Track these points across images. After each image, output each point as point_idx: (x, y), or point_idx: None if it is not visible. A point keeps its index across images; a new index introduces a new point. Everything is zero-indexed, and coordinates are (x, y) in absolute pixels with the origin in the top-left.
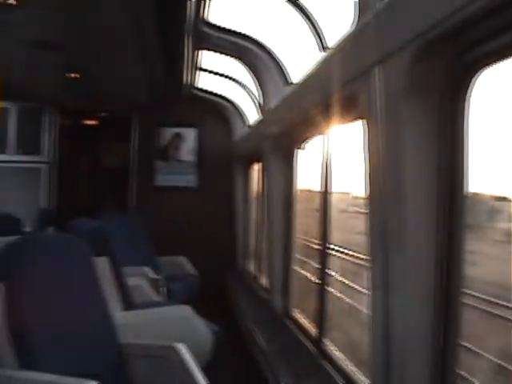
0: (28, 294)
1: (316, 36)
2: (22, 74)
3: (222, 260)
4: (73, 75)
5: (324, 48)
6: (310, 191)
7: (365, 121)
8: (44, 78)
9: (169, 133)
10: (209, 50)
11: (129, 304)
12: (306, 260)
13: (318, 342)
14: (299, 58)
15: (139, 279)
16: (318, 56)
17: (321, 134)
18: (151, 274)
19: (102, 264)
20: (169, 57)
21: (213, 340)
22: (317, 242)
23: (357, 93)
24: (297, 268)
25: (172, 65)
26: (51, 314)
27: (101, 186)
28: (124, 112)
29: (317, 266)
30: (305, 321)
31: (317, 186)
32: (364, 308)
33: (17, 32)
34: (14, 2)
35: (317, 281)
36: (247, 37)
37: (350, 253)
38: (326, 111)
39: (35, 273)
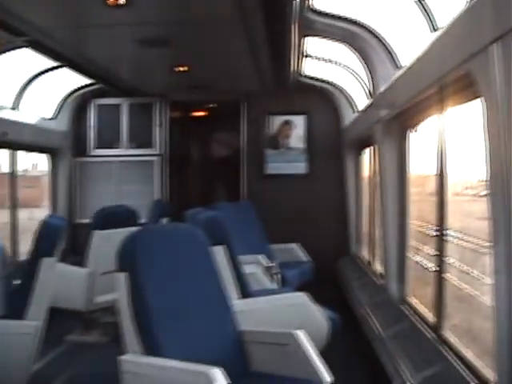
0: (150, 283)
1: (426, 17)
2: (132, 71)
3: (334, 246)
4: (181, 69)
5: (435, 29)
6: (421, 175)
7: (483, 100)
8: (153, 73)
9: (278, 121)
10: (315, 36)
11: (245, 292)
12: (419, 246)
13: (436, 329)
14: (408, 41)
15: (254, 267)
16: (429, 37)
17: (434, 115)
18: (265, 261)
19: (219, 253)
20: (275, 45)
21: (329, 326)
22: (431, 227)
23: (473, 72)
24: (410, 254)
25: (279, 53)
26: (173, 301)
27: (212, 176)
28: (232, 102)
29: (432, 252)
30: (422, 307)
31: (429, 170)
32: (485, 297)
33: (126, 31)
34: (124, 2)
35: (434, 267)
36: (354, 21)
37: (470, 239)
38: (439, 92)
39: (156, 262)
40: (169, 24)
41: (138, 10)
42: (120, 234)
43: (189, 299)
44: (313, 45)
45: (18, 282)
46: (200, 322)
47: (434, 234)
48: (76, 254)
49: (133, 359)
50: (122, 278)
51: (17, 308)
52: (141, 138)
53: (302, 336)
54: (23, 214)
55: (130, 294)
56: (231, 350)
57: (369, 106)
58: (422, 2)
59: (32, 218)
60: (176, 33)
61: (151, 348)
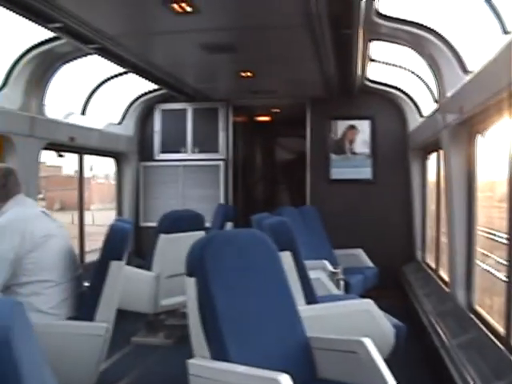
0: (218, 288)
1: (497, 19)
2: (196, 76)
3: (399, 252)
4: (246, 74)
5: (506, 31)
6: (490, 180)
7: None
8: (218, 78)
9: (342, 125)
10: (381, 40)
11: (310, 297)
12: (486, 253)
13: (507, 340)
14: (477, 44)
15: (318, 272)
16: (500, 40)
17: (505, 120)
18: (330, 267)
19: (286, 258)
20: (341, 50)
21: (394, 334)
22: (501, 234)
23: None
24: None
25: (344, 58)
26: (241, 307)
27: (275, 181)
28: (297, 107)
29: (502, 260)
30: (489, 316)
31: (498, 175)
32: None
33: (192, 37)
34: (190, 10)
35: (504, 276)
36: (421, 25)
37: None
38: (511, 96)
39: (224, 267)
40: (235, 30)
41: (205, 16)
42: (186, 238)
43: (256, 305)
44: (378, 49)
45: (86, 283)
46: (267, 327)
47: (505, 241)
48: (140, 256)
49: (200, 363)
50: (190, 282)
51: (86, 309)
52: (205, 143)
53: (370, 344)
54: (65, 218)
55: (199, 298)
56: (298, 357)
57: (436, 111)
58: (492, 4)
59: (75, 223)
60: (242, 39)
61: (218, 353)
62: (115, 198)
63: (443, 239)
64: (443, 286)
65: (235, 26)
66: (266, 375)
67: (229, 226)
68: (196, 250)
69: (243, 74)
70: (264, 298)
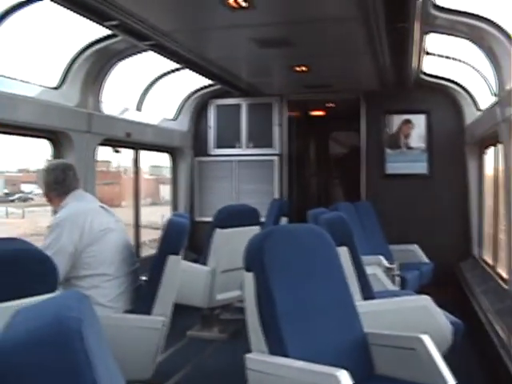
0: (276, 283)
1: None
2: (251, 71)
3: (455, 248)
4: (301, 69)
5: None
6: None
7: None
8: (273, 73)
9: (397, 120)
10: (437, 33)
11: (367, 293)
12: None
13: None
14: None
15: (374, 268)
16: None
17: None
18: (385, 262)
19: (343, 253)
20: (396, 43)
21: (452, 331)
22: None
23: None
24: None
25: (400, 51)
26: (299, 302)
27: (330, 176)
28: (351, 101)
29: None
30: None
31: None
32: None
33: (246, 32)
34: (246, 5)
35: None
36: (479, 17)
37: None
38: None
39: (283, 262)
40: (290, 25)
41: (259, 11)
42: (242, 232)
43: (315, 300)
44: (433, 41)
45: (143, 277)
46: (325, 323)
47: None
48: (194, 251)
49: (258, 358)
50: (249, 277)
51: (144, 303)
52: (260, 138)
53: (429, 341)
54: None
55: (257, 293)
56: (356, 352)
57: (494, 104)
58: None
59: None
60: (297, 33)
61: (276, 347)
62: (171, 193)
63: (501, 236)
64: (501, 283)
65: (290, 21)
66: (325, 371)
67: (283, 220)
68: (254, 245)
69: (298, 69)
70: (322, 293)
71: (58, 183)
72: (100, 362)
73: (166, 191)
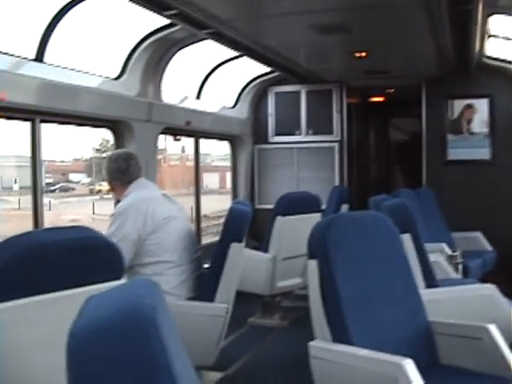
0: (340, 270)
1: None
2: (309, 58)
3: None
4: (360, 54)
5: None
6: None
7: None
8: (331, 59)
9: (459, 104)
10: (501, 14)
11: (430, 281)
12: None
13: None
14: None
15: (436, 255)
16: None
17: None
18: (448, 250)
19: (406, 241)
20: (458, 26)
21: None
22: None
23: None
24: None
25: (461, 34)
26: (363, 290)
27: (390, 162)
28: (411, 87)
29: None
30: None
31: None
32: None
33: (304, 18)
34: None
35: None
36: None
37: None
38: None
39: (347, 249)
40: (348, 10)
41: None
42: (303, 220)
43: (379, 288)
44: (497, 23)
45: (205, 265)
46: (389, 311)
47: None
48: (255, 239)
49: (322, 345)
50: (312, 264)
51: (206, 290)
52: (319, 125)
53: (495, 331)
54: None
55: (320, 280)
56: (420, 341)
57: None
58: None
59: None
60: (355, 18)
61: (340, 335)
62: (231, 180)
63: None
64: None
65: (348, 6)
66: (389, 359)
67: (344, 207)
68: (318, 232)
69: (357, 55)
70: (386, 280)
71: (121, 172)
72: (173, 349)
73: (209, 179)
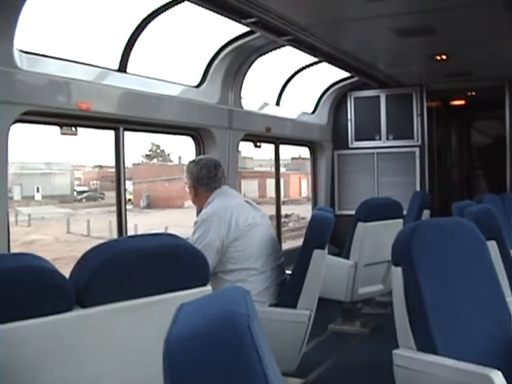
0: (425, 278)
1: None
2: (388, 62)
3: None
4: (441, 57)
5: None
6: None
7: None
8: (412, 63)
9: None
10: None
11: None
12: None
13: None
14: None
15: None
16: None
17: None
18: None
19: (492, 248)
20: None
21: None
22: None
23: None
24: None
25: None
26: (448, 298)
27: (472, 167)
28: (493, 89)
29: None
30: None
31: None
32: None
33: (384, 22)
34: None
35: None
36: None
37: None
38: None
39: (432, 257)
40: (430, 12)
41: (397, 0)
42: (384, 226)
43: (464, 296)
44: None
45: (287, 271)
46: (476, 320)
47: None
48: (334, 244)
49: (406, 354)
50: (397, 272)
51: (289, 297)
52: (399, 130)
53: None
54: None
55: (405, 288)
56: (507, 352)
57: None
58: None
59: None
60: (437, 21)
61: (424, 344)
62: (310, 186)
63: None
64: None
65: (430, 8)
66: (477, 370)
67: (425, 213)
68: (403, 239)
69: (437, 57)
70: (473, 289)
71: (211, 178)
72: (267, 357)
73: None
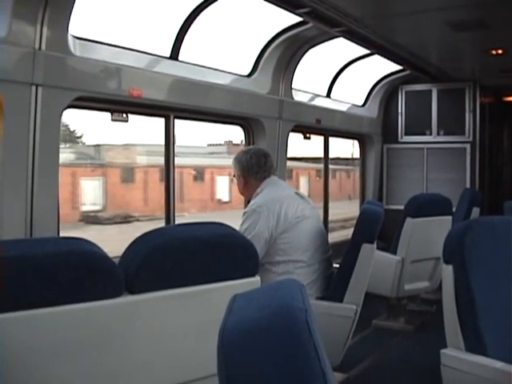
0: (477, 278)
1: None
2: (441, 56)
3: None
4: (496, 51)
5: None
6: None
7: None
8: (465, 57)
9: None
10: None
11: None
12: None
13: None
14: None
15: None
16: None
17: None
18: None
19: None
20: None
21: None
22: None
23: None
24: None
25: None
26: (500, 299)
27: None
28: None
29: None
30: None
31: None
32: None
33: (438, 15)
34: None
35: None
36: None
37: None
38: None
39: (484, 256)
40: (486, 5)
41: None
42: (433, 222)
43: None
44: None
45: (335, 265)
46: None
47: None
48: (381, 239)
49: (455, 354)
50: (448, 270)
51: (335, 291)
52: (451, 125)
53: None
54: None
55: (455, 287)
56: None
57: None
58: None
59: None
60: (493, 14)
61: (474, 345)
62: (359, 180)
63: None
64: None
65: (486, 1)
66: None
67: (475, 211)
68: (455, 237)
69: (493, 52)
70: None
71: (260, 167)
72: (322, 353)
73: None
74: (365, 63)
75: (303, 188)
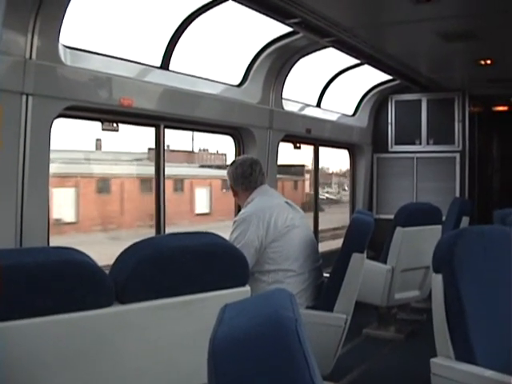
0: (466, 287)
1: None
2: (431, 66)
3: None
4: (485, 62)
5: None
6: None
7: None
8: (455, 67)
9: None
10: None
11: None
12: None
13: None
14: None
15: None
16: None
17: None
18: None
19: None
20: None
21: None
22: None
23: None
24: None
25: None
26: (489, 308)
27: None
28: None
29: None
30: None
31: None
32: None
33: (429, 26)
34: None
35: None
36: None
37: None
38: None
39: (473, 265)
40: (476, 17)
41: (444, 4)
42: (424, 231)
43: (506, 308)
44: None
45: (325, 274)
46: None
47: None
48: (371, 248)
49: (444, 363)
50: (437, 279)
51: (326, 300)
52: (440, 134)
53: None
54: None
55: (445, 296)
56: None
57: None
58: None
59: None
60: (483, 25)
61: (463, 353)
62: (349, 189)
63: None
64: None
65: (476, 12)
66: None
67: (464, 220)
68: (444, 246)
69: (482, 62)
70: (510, 299)
71: (246, 178)
72: (312, 362)
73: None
74: (355, 73)
75: None
